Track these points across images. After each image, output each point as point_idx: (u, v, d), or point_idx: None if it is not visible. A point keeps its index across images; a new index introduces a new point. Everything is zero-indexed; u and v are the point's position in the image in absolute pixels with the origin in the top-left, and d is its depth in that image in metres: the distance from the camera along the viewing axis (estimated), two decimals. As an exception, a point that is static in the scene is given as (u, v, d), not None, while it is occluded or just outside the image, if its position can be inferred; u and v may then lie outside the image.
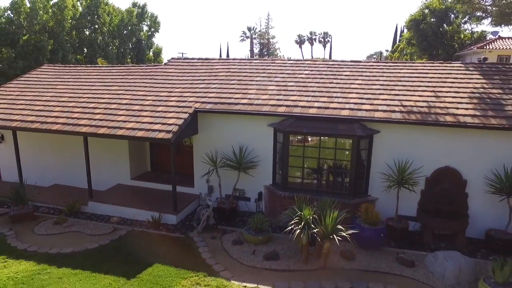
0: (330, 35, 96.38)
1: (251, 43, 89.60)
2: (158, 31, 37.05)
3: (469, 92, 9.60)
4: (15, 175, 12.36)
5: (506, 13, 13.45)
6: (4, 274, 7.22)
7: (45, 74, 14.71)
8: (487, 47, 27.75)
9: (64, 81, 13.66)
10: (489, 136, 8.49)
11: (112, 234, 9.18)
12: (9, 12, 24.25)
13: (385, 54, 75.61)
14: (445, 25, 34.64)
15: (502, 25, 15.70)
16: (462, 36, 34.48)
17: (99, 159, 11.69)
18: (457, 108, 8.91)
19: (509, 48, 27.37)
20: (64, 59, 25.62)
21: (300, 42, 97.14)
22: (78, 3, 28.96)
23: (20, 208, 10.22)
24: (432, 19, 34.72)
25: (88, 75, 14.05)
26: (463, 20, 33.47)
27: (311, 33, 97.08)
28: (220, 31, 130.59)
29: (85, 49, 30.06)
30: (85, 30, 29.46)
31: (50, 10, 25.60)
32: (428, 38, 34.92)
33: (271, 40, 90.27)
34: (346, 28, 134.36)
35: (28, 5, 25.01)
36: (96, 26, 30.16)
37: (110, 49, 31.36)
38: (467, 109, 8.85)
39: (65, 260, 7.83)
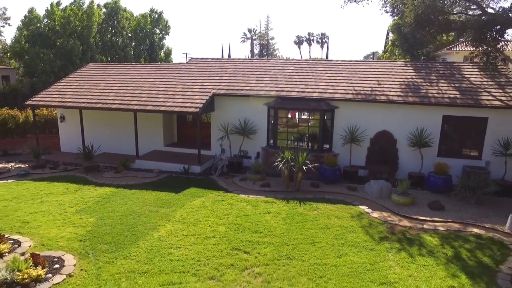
0: (327, 36, 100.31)
1: (252, 44, 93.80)
2: (168, 34, 41.44)
3: (401, 81, 13.97)
4: (71, 147, 16.88)
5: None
6: (97, 193, 11.58)
7: (93, 70, 19.06)
8: (455, 49, 32.07)
9: (111, 75, 18.00)
10: (409, 109, 12.85)
11: (157, 177, 13.53)
12: (47, 19, 28.66)
13: (380, 53, 79.86)
14: (423, 29, 38.92)
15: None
16: (439, 38, 38.76)
17: (140, 132, 15.95)
18: (390, 91, 13.28)
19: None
20: (92, 59, 29.96)
21: (298, 42, 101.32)
22: (102, 11, 33.35)
23: (89, 162, 14.61)
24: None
25: (128, 70, 18.41)
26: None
27: (309, 34, 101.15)
28: (222, 32, 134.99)
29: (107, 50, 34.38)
30: (107, 33, 33.85)
31: (81, 17, 29.97)
32: (409, 40, 39.24)
33: (270, 41, 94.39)
34: (343, 29, 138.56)
35: (61, 12, 29.41)
36: (116, 30, 34.56)
37: (128, 50, 35.75)
38: (396, 91, 13.22)
39: (131, 187, 12.19)
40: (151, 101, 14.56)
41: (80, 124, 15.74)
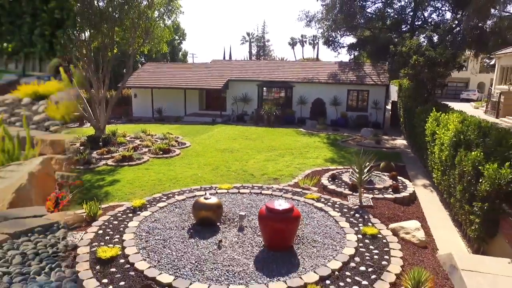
0: (318, 38, 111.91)
1: (250, 46, 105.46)
2: (185, 40, 53.38)
3: (328, 73, 25.92)
4: (140, 114, 28.65)
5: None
6: (173, 126, 23.50)
7: (151, 67, 30.98)
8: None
9: (164, 70, 29.89)
10: (331, 86, 24.81)
11: (198, 124, 25.42)
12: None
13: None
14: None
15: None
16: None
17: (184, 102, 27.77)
18: (322, 77, 25.26)
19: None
20: (136, 60, 41.80)
21: (292, 44, 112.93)
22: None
23: (160, 116, 26.53)
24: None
25: (174, 67, 30.38)
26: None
27: (302, 36, 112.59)
28: (223, 35, 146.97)
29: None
30: (144, 41, 45.80)
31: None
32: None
33: (266, 43, 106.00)
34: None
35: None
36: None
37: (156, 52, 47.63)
38: (325, 77, 25.19)
39: (188, 125, 24.11)
40: (192, 83, 26.55)
41: (150, 98, 27.63)
